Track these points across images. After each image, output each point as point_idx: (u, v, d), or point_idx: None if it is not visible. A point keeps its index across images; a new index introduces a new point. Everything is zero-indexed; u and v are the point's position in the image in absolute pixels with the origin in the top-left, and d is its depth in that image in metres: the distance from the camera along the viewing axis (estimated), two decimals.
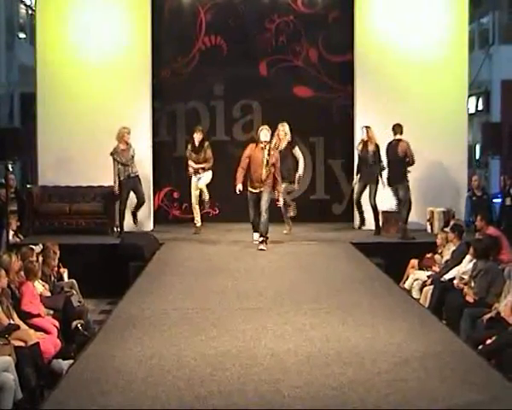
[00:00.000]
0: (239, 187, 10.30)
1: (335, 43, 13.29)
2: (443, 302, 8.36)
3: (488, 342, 6.59)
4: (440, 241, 9.92)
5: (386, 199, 12.25)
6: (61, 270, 9.21)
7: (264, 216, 10.25)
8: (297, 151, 11.63)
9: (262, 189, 10.30)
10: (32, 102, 12.67)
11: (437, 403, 4.59)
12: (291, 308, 6.98)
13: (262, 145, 10.33)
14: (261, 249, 10.15)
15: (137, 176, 11.73)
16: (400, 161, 11.19)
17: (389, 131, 12.17)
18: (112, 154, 11.56)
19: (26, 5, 19.31)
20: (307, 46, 13.41)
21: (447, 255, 9.42)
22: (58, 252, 9.03)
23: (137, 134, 12.40)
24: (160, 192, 13.39)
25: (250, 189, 10.44)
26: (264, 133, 10.35)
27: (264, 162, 10.22)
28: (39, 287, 7.96)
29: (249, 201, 10.48)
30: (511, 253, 9.34)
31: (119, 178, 11.55)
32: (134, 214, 11.87)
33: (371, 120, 12.43)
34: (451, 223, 10.28)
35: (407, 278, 9.80)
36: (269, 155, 10.27)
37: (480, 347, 6.50)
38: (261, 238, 10.28)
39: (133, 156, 11.66)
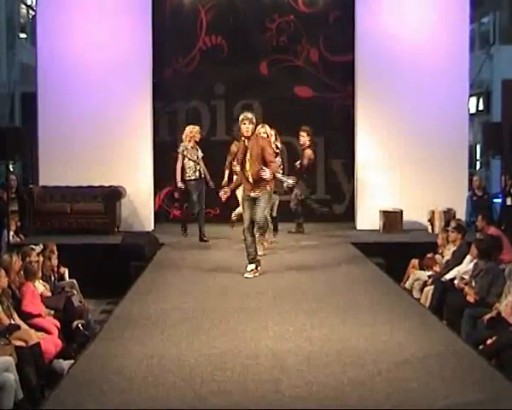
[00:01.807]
0: (224, 191, 8.64)
1: (336, 43, 13.30)
2: (443, 302, 8.35)
3: (489, 342, 6.58)
4: (441, 241, 9.91)
5: (388, 199, 12.29)
6: (62, 270, 9.22)
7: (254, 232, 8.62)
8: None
9: (256, 193, 8.45)
10: (33, 101, 12.68)
11: (437, 403, 4.60)
12: (291, 308, 6.98)
13: (243, 138, 8.44)
14: (247, 277, 8.41)
15: (203, 178, 11.21)
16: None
17: (390, 132, 12.24)
18: (182, 152, 11.17)
19: (26, 5, 19.32)
20: (308, 46, 13.44)
21: (448, 255, 9.41)
22: (56, 252, 9.06)
23: (138, 134, 12.45)
24: (160, 192, 13.41)
25: (245, 191, 8.67)
26: (245, 127, 8.31)
27: (248, 156, 8.36)
28: (40, 287, 7.97)
29: (243, 201, 8.71)
30: None
31: (188, 178, 11.09)
32: (185, 224, 11.60)
33: (372, 121, 12.49)
34: (453, 223, 10.24)
35: (408, 278, 9.79)
36: (249, 142, 8.34)
37: (481, 347, 6.50)
38: (251, 264, 8.55)
39: (200, 157, 11.23)
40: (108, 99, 12.31)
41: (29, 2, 19.42)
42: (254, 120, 8.48)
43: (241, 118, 8.39)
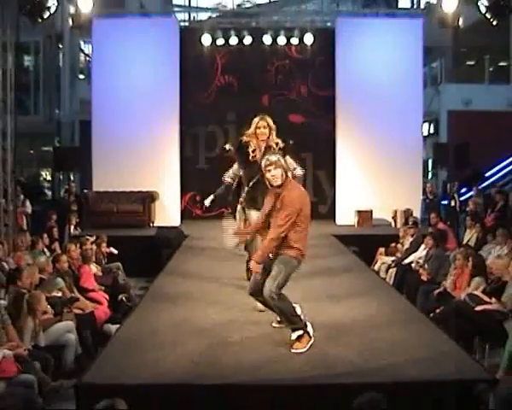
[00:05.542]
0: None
1: (321, 81, 13.25)
2: (404, 281, 8.33)
3: (437, 311, 6.58)
4: (402, 233, 9.89)
5: (361, 201, 12.25)
6: (108, 250, 9.22)
7: None
8: None
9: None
10: (89, 127, 12.70)
11: (398, 355, 4.59)
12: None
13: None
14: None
15: None
16: None
17: (363, 149, 12.19)
18: None
19: (84, 53, 19.41)
20: (299, 83, 13.41)
21: (407, 245, 9.39)
22: (106, 239, 9.11)
23: (169, 151, 12.49)
24: (185, 196, 13.39)
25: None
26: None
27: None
28: (94, 269, 7.98)
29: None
30: (455, 242, 9.35)
31: None
32: None
33: (349, 141, 12.48)
34: (411, 220, 10.26)
35: (376, 262, 9.76)
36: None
37: (432, 314, 6.49)
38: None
39: None
40: (146, 123, 12.30)
41: (86, 51, 19.47)
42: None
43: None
